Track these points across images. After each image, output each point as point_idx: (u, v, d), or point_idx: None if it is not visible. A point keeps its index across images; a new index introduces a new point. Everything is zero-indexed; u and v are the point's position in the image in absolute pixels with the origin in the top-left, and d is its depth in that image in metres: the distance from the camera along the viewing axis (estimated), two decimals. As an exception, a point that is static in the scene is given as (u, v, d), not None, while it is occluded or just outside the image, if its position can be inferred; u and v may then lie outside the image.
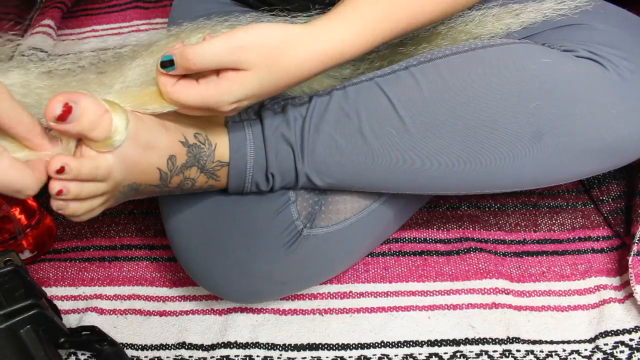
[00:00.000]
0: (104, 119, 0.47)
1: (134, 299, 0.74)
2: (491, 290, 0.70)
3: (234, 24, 0.59)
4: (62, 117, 0.45)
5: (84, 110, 0.46)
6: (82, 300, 0.74)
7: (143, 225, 0.81)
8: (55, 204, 0.49)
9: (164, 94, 0.51)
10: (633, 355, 0.63)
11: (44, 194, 0.92)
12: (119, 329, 0.71)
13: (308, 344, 0.67)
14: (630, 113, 0.56)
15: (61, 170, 0.47)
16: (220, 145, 0.57)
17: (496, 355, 0.65)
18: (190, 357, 0.67)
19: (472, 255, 0.73)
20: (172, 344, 0.69)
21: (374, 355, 0.66)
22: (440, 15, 0.56)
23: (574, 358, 0.64)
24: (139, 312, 0.72)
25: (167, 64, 0.49)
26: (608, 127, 0.56)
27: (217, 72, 0.50)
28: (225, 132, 0.58)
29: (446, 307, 0.69)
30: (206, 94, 0.49)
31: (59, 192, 0.48)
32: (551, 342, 0.66)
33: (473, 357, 0.65)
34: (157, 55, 0.55)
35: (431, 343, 0.66)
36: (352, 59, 0.54)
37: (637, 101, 0.56)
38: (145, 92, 0.52)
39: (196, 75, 0.51)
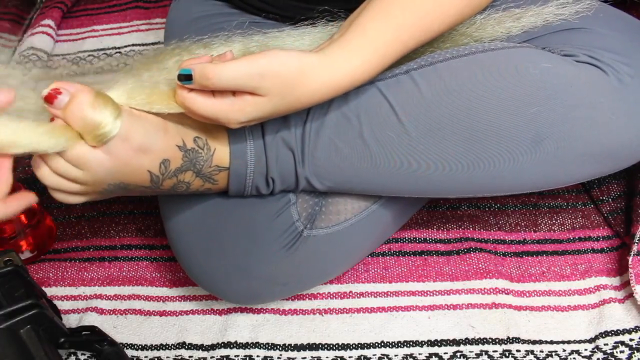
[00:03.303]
0: (92, 112, 0.48)
1: (134, 299, 0.74)
2: (491, 290, 0.70)
3: (239, 42, 0.59)
4: (48, 99, 0.47)
5: (72, 99, 0.47)
6: (82, 300, 0.74)
7: (143, 225, 0.81)
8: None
9: (178, 97, 0.51)
10: (633, 355, 0.63)
11: (43, 194, 0.93)
12: (119, 329, 0.71)
13: (308, 344, 0.67)
14: (630, 117, 0.56)
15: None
16: (220, 149, 0.57)
17: (496, 355, 0.65)
18: (190, 357, 0.67)
19: (472, 255, 0.73)
20: (172, 344, 0.69)
21: (374, 355, 0.66)
22: (447, 29, 0.56)
23: (574, 358, 0.64)
24: (139, 312, 0.72)
25: (183, 77, 0.49)
26: (608, 132, 0.56)
27: (232, 91, 0.51)
28: (226, 136, 0.58)
29: (446, 307, 0.69)
30: (220, 109, 0.50)
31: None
32: (551, 342, 0.66)
33: (473, 357, 0.65)
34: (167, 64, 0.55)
35: (431, 343, 0.66)
36: (363, 84, 0.54)
37: (637, 105, 0.56)
38: (156, 91, 0.52)
39: None
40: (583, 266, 0.72)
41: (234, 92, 0.50)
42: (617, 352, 0.64)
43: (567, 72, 0.56)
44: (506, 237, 0.76)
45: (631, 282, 0.66)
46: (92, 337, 0.65)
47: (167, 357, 0.68)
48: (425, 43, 0.56)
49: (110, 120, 0.49)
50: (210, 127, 0.58)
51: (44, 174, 0.51)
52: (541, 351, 0.65)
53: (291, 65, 0.50)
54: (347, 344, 0.67)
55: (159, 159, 0.53)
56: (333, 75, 0.51)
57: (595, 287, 0.70)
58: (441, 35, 0.63)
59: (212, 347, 0.68)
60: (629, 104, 0.56)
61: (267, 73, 0.49)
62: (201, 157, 0.56)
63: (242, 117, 0.50)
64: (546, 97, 0.55)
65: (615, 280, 0.70)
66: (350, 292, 0.71)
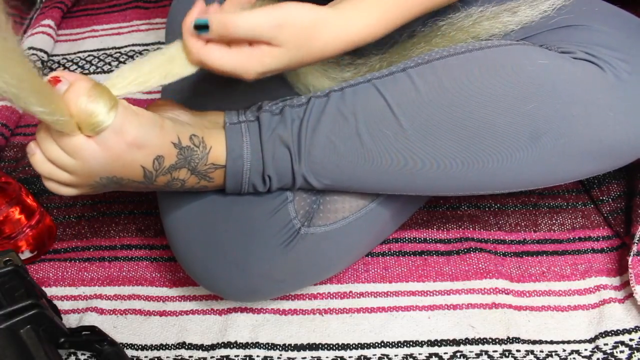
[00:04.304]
0: (86, 100, 0.48)
1: (134, 299, 0.74)
2: (491, 290, 0.70)
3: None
4: (51, 82, 0.49)
5: (70, 87, 0.49)
6: (82, 300, 0.74)
7: (143, 225, 0.81)
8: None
9: (193, 53, 0.52)
10: (633, 355, 0.63)
11: (43, 194, 0.92)
12: (119, 329, 0.71)
13: (308, 344, 0.67)
14: (628, 114, 0.56)
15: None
16: (216, 147, 0.57)
17: (496, 355, 0.65)
18: (190, 357, 0.67)
19: (472, 255, 0.73)
20: (172, 344, 0.69)
21: (374, 355, 0.66)
22: None
23: (574, 358, 0.64)
24: (139, 312, 0.72)
25: (201, 27, 0.51)
26: (605, 129, 0.56)
27: (249, 41, 0.52)
28: (222, 134, 0.58)
29: (446, 307, 0.69)
30: (238, 61, 0.51)
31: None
32: (551, 342, 0.66)
33: (473, 357, 0.65)
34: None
35: (431, 343, 0.66)
36: (370, 43, 0.56)
37: (635, 102, 0.56)
38: (166, 57, 0.53)
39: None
40: (583, 266, 0.72)
41: (250, 43, 0.51)
42: (617, 352, 0.64)
43: (564, 69, 0.56)
44: (506, 237, 0.76)
45: (631, 282, 0.66)
46: (92, 337, 0.65)
47: (167, 357, 0.68)
48: (430, 10, 0.57)
49: (103, 110, 0.49)
50: (208, 125, 0.58)
51: (38, 159, 0.51)
52: (541, 351, 0.65)
53: (306, 17, 0.52)
54: (347, 344, 0.67)
55: (153, 155, 0.53)
56: (345, 30, 0.53)
57: (595, 287, 0.70)
58: (438, 29, 0.63)
59: (212, 347, 0.68)
60: (626, 100, 0.56)
61: (284, 23, 0.50)
62: (196, 155, 0.56)
63: (260, 67, 0.52)
64: (543, 94, 0.55)
65: (615, 280, 0.70)
66: (350, 292, 0.71)
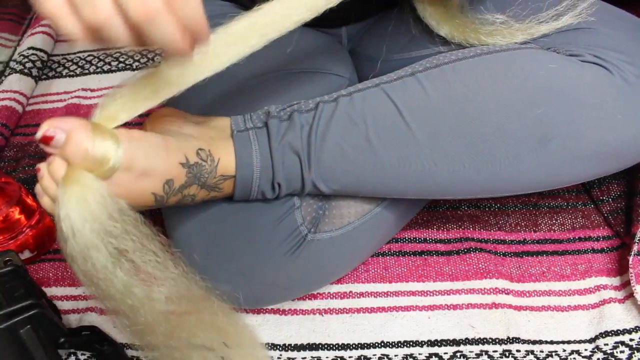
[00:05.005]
0: (92, 146, 0.45)
1: (134, 299, 0.73)
2: (491, 290, 0.70)
3: None
4: (45, 141, 0.44)
5: (69, 138, 0.44)
6: (82, 300, 0.74)
7: (143, 225, 0.81)
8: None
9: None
10: (633, 356, 0.63)
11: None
12: (119, 329, 0.70)
13: (308, 344, 0.67)
14: (636, 117, 0.56)
15: (37, 170, 0.48)
16: (224, 158, 0.56)
17: (496, 355, 0.65)
18: (190, 357, 0.67)
19: (472, 255, 0.73)
20: (172, 344, 0.69)
21: (374, 355, 0.66)
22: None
23: (574, 358, 0.64)
24: (139, 312, 0.72)
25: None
26: (613, 132, 0.56)
27: None
28: (230, 144, 0.57)
29: (446, 307, 0.69)
30: None
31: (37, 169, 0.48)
32: (551, 342, 0.66)
33: (473, 357, 0.65)
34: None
35: (431, 343, 0.66)
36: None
37: None
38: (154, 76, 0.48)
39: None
40: (583, 266, 0.72)
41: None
42: (617, 352, 0.64)
43: (573, 73, 0.56)
44: (506, 237, 0.76)
45: (631, 282, 0.66)
46: (92, 337, 0.65)
47: (167, 357, 0.68)
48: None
49: (114, 153, 0.46)
50: (213, 134, 0.57)
51: (46, 203, 0.48)
52: (541, 351, 0.65)
53: None
54: (347, 344, 0.67)
55: (162, 180, 0.51)
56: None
57: (595, 287, 0.70)
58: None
59: (212, 347, 0.68)
60: (634, 103, 0.56)
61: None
62: (205, 170, 0.54)
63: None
64: (552, 98, 0.55)
65: (615, 280, 0.70)
66: (350, 292, 0.71)
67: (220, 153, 0.56)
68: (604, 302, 0.68)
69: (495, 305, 0.68)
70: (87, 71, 1.05)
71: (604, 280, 0.71)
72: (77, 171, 0.46)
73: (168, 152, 0.51)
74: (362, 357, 0.66)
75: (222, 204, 0.61)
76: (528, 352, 0.65)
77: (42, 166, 0.48)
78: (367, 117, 0.57)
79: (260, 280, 0.62)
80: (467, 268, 0.72)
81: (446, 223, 0.77)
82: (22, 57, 1.04)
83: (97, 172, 0.46)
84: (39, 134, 0.44)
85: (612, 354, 0.64)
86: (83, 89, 1.01)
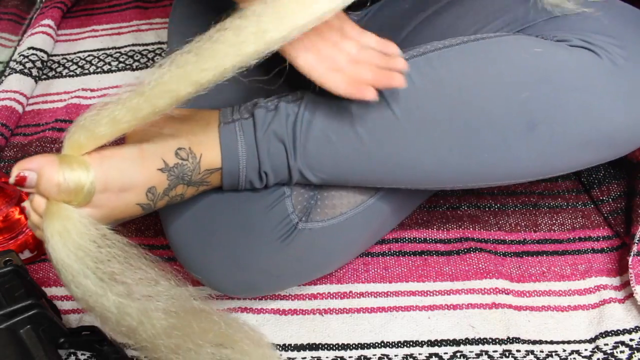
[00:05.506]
0: (63, 179, 0.48)
1: (134, 299, 0.73)
2: (491, 290, 0.70)
3: None
4: (19, 183, 0.48)
5: (40, 176, 0.48)
6: (82, 300, 0.74)
7: (143, 225, 0.81)
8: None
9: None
10: (633, 356, 0.63)
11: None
12: (119, 329, 0.70)
13: (308, 344, 0.67)
14: (625, 101, 0.56)
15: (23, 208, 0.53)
16: (208, 153, 0.57)
17: (496, 355, 0.65)
18: (190, 357, 0.67)
19: (472, 255, 0.73)
20: (172, 344, 0.69)
21: (374, 355, 0.66)
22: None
23: (574, 358, 0.64)
24: (139, 312, 0.72)
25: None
26: (602, 116, 0.56)
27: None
28: (214, 137, 0.57)
29: (446, 307, 0.69)
30: None
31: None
32: (551, 342, 0.66)
33: (473, 357, 0.65)
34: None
35: (431, 343, 0.66)
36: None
37: (632, 88, 0.56)
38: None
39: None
40: (583, 266, 0.72)
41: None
42: (617, 352, 0.64)
43: (560, 56, 0.55)
44: (506, 237, 0.76)
45: (631, 282, 0.66)
46: (92, 337, 0.65)
47: (167, 357, 0.68)
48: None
49: (86, 180, 0.49)
50: (195, 131, 0.57)
51: (41, 235, 0.52)
52: (541, 351, 0.65)
53: None
54: (347, 344, 0.67)
55: (144, 190, 0.53)
56: None
57: (595, 287, 0.70)
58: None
59: (212, 347, 0.68)
60: (623, 86, 0.55)
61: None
62: (187, 168, 0.55)
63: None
64: (539, 82, 0.54)
65: (615, 280, 0.70)
66: (350, 292, 0.71)
67: (203, 148, 0.56)
68: (604, 302, 0.68)
69: (495, 305, 0.68)
70: (87, 71, 1.05)
71: (604, 280, 0.71)
72: (56, 205, 0.49)
73: (144, 160, 0.52)
74: (362, 357, 0.66)
75: (213, 193, 0.62)
76: (528, 352, 0.65)
77: (26, 204, 0.52)
78: (352, 104, 0.57)
79: (252, 267, 0.62)
80: (467, 268, 0.72)
81: (446, 223, 0.77)
82: (22, 57, 1.05)
83: (76, 200, 0.49)
84: (11, 179, 0.48)
85: (612, 354, 0.64)
86: (83, 89, 1.01)
